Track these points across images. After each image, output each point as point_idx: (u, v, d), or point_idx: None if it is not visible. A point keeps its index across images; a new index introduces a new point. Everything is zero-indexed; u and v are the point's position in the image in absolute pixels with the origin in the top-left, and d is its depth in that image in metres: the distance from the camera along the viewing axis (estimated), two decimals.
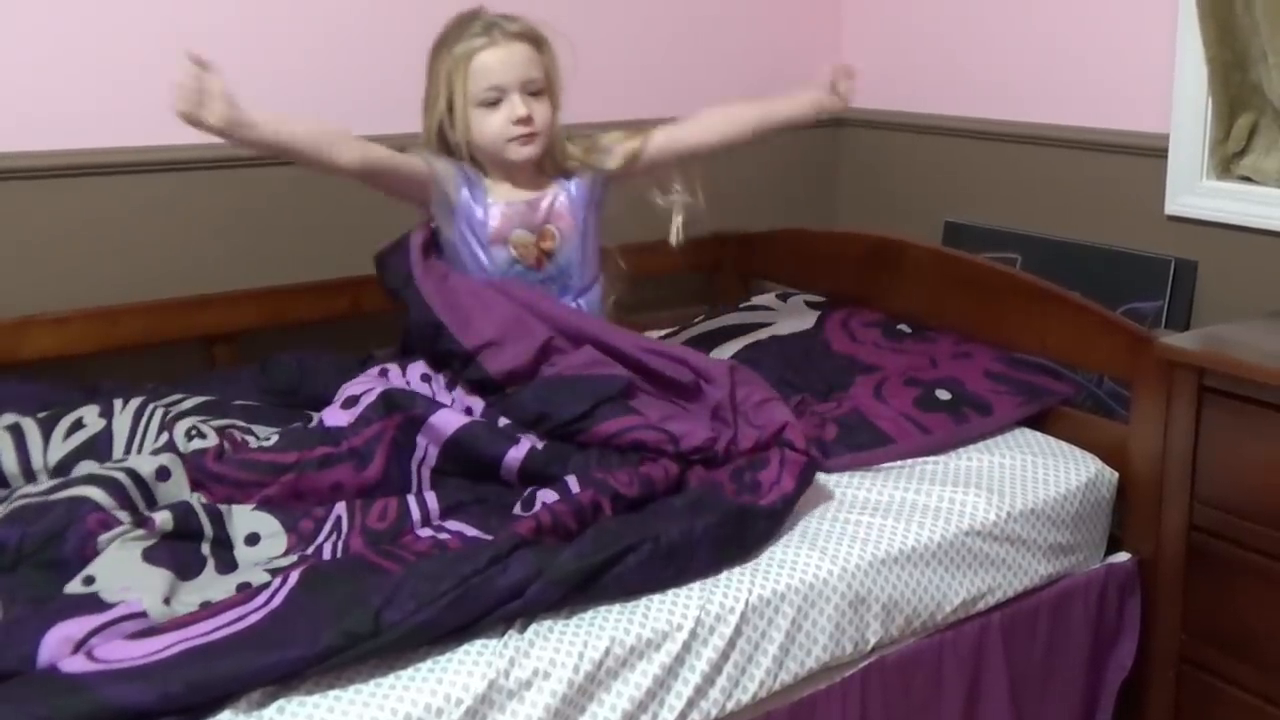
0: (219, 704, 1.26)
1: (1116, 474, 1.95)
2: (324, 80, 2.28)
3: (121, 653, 1.27)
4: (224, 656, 1.27)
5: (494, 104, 1.85)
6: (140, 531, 1.48)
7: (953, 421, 1.99)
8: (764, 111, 2.08)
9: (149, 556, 1.45)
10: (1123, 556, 1.95)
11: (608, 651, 1.44)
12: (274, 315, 2.21)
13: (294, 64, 2.25)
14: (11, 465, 1.72)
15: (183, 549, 1.50)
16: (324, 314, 2.28)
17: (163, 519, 1.51)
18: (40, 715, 1.19)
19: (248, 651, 1.28)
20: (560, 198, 1.94)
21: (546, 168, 1.96)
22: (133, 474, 1.60)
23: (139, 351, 2.12)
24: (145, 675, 1.24)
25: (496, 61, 1.83)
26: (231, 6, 2.19)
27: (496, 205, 1.90)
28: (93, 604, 1.36)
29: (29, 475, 1.72)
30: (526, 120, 1.86)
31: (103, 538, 1.47)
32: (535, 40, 1.88)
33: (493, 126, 1.86)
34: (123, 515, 1.53)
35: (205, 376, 2.08)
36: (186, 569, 1.47)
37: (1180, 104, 2.20)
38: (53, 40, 2.04)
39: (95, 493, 1.55)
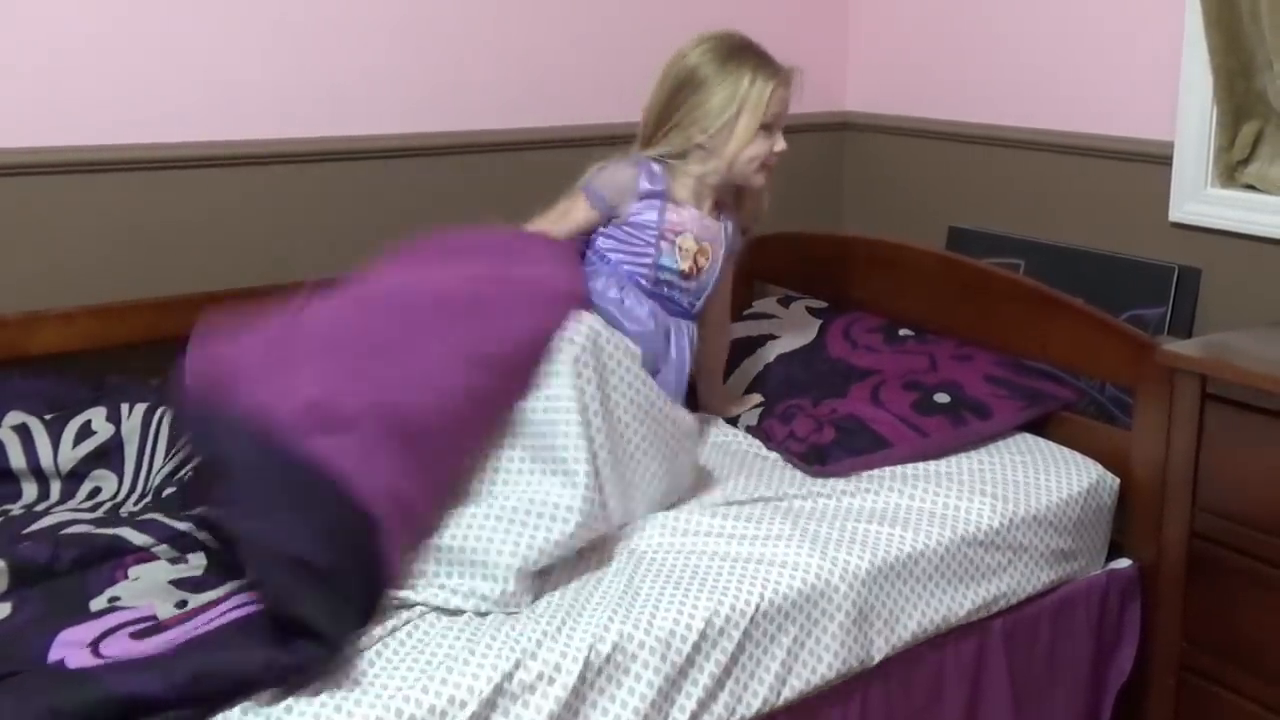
0: (229, 701, 1.27)
1: (1118, 480, 1.96)
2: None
3: (128, 649, 1.29)
4: (226, 646, 1.29)
5: (766, 129, 1.98)
6: (172, 567, 1.50)
7: (951, 424, 1.99)
8: (716, 370, 2.27)
9: (173, 580, 1.48)
10: (1124, 563, 1.96)
11: (609, 658, 1.45)
12: None
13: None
14: (20, 465, 1.73)
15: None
16: None
17: (195, 560, 1.52)
18: (48, 707, 1.20)
19: (250, 638, 1.30)
20: (725, 229, 2.08)
21: (729, 204, 2.09)
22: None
23: (145, 348, 2.12)
24: (151, 666, 1.25)
25: (783, 97, 2.00)
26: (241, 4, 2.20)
27: (679, 208, 2.01)
28: (107, 611, 1.37)
29: (39, 476, 1.73)
30: (779, 155, 2.02)
31: (134, 569, 1.48)
32: None
33: (758, 149, 1.99)
34: (161, 550, 1.54)
35: None
36: (203, 585, 1.49)
37: (1185, 111, 2.20)
38: (61, 37, 2.04)
39: (138, 536, 1.56)
